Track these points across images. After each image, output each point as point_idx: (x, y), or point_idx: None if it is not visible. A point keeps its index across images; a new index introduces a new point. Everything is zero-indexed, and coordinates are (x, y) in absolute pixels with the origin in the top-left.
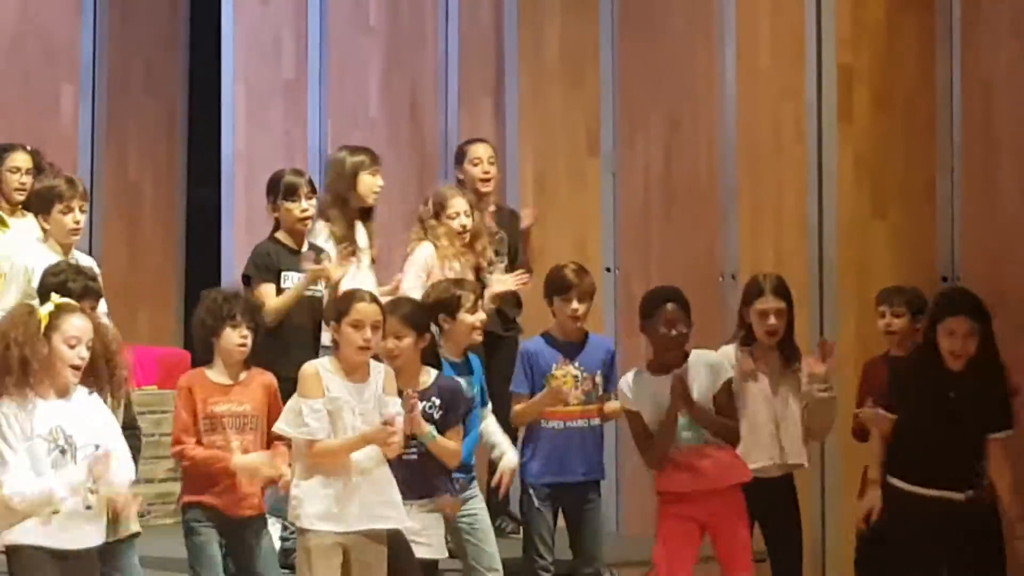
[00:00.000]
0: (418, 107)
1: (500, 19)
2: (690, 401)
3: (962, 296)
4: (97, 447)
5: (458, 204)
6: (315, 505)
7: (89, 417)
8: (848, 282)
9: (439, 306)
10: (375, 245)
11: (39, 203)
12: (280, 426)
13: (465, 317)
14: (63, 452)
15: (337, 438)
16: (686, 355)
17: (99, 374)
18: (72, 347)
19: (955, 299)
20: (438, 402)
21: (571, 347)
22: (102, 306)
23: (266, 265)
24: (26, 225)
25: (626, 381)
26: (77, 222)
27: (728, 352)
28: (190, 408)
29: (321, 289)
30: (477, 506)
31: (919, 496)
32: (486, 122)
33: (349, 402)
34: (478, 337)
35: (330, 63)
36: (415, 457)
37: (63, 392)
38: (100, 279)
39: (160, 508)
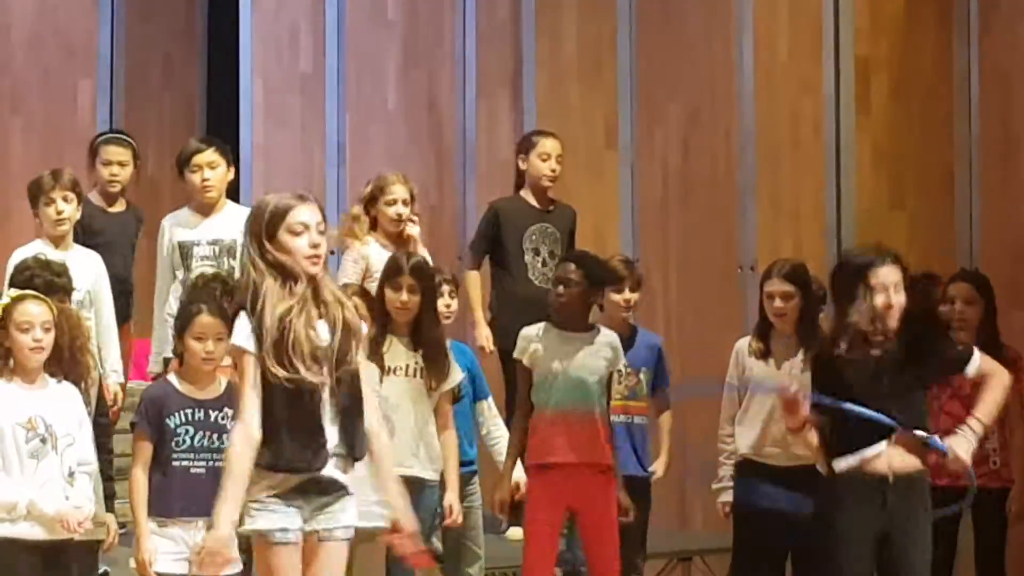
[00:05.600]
0: (436, 100)
1: (518, 12)
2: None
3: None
4: (73, 440)
5: (398, 191)
6: None
7: (65, 408)
8: None
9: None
10: None
11: (30, 199)
12: None
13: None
14: (43, 441)
15: None
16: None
17: (63, 363)
18: (25, 331)
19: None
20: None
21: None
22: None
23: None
24: None
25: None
26: (60, 212)
27: (743, 343)
28: None
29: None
30: (475, 503)
31: None
32: (504, 115)
33: None
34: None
35: (348, 56)
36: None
37: (31, 380)
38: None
39: None
